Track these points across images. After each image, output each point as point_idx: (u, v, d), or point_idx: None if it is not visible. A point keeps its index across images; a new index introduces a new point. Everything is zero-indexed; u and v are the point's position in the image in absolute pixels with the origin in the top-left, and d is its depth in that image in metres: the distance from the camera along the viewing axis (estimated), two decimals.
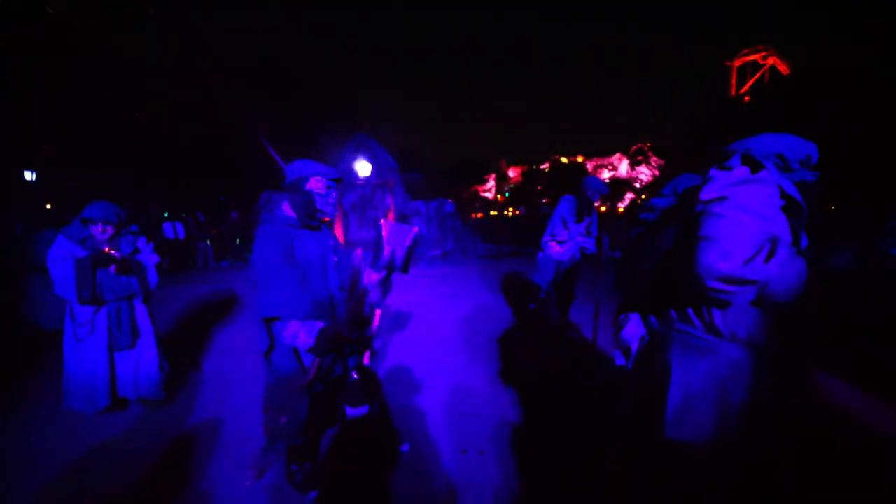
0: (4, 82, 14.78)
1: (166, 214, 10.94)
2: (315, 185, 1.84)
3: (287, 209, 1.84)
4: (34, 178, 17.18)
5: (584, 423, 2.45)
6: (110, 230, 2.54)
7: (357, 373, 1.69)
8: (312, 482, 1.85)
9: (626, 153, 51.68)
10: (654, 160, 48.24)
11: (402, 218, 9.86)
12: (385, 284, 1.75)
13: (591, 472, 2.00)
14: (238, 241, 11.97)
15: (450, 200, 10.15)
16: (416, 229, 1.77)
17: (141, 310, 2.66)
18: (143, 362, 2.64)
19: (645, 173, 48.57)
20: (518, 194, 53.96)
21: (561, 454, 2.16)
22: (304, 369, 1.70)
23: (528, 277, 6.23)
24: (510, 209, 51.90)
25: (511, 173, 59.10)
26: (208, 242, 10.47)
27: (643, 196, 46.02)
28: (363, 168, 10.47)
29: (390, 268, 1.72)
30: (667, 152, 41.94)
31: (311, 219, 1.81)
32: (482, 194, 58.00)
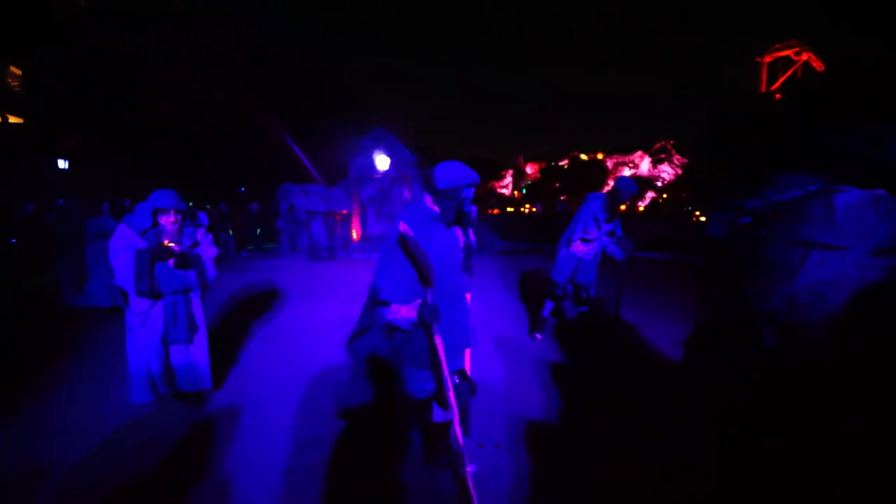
0: (37, 76, 15.39)
1: (191, 204, 11.25)
2: (467, 192, 1.80)
3: (429, 202, 1.82)
4: (66, 167, 17.89)
5: (599, 417, 2.43)
6: (179, 220, 2.50)
7: (459, 377, 1.80)
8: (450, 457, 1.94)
9: (647, 151, 50.42)
10: (677, 158, 46.94)
11: None
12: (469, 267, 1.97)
13: (606, 465, 1.98)
14: (258, 231, 12.22)
15: None
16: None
17: (197, 304, 2.62)
18: (196, 356, 2.61)
19: (667, 172, 47.29)
20: (535, 191, 53.40)
21: (576, 448, 2.16)
22: (395, 349, 1.81)
23: (544, 274, 6.18)
24: (527, 206, 51.44)
25: (529, 169, 58.46)
26: (230, 232, 10.73)
27: (664, 195, 44.93)
28: (382, 162, 10.52)
29: (469, 250, 1.97)
30: (691, 151, 40.81)
31: (459, 222, 1.84)
32: (498, 190, 57.59)
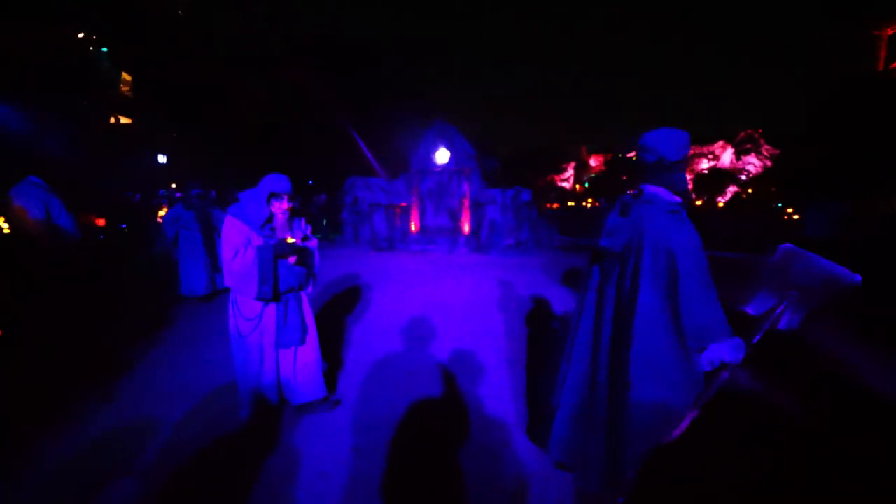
0: (143, 81, 17.49)
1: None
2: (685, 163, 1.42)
3: (665, 193, 1.41)
4: (165, 161, 20.23)
5: None
6: (290, 207, 2.25)
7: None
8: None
9: (730, 141, 45.63)
10: (765, 149, 41.94)
11: (477, 206, 9.86)
12: None
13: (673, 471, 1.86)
14: (325, 221, 12.97)
15: (527, 189, 9.90)
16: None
17: (306, 302, 2.41)
18: (307, 359, 2.36)
19: (754, 164, 42.31)
20: (599, 184, 50.78)
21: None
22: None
23: None
24: (589, 200, 49.21)
25: (592, 162, 55.66)
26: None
27: (749, 190, 40.47)
28: (441, 155, 10.61)
29: None
30: (783, 140, 36.26)
31: (688, 202, 1.44)
32: (559, 183, 55.60)
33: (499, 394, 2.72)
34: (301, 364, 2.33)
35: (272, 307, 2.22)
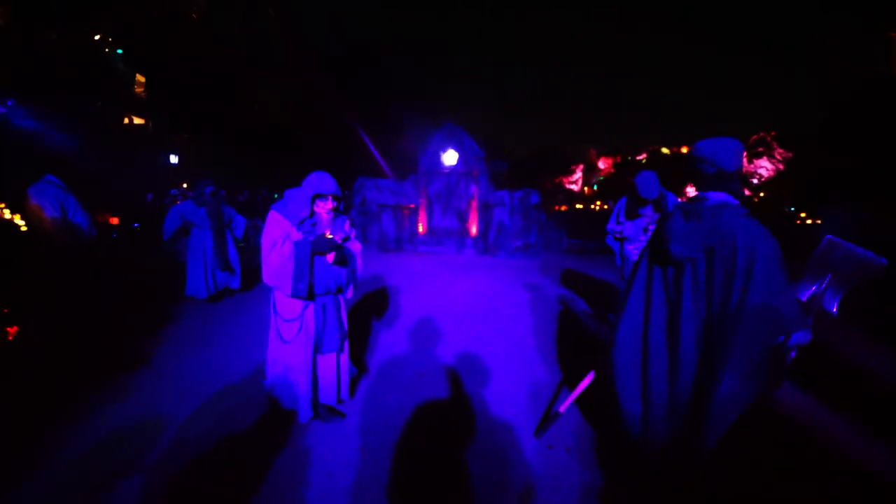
0: (156, 82, 17.78)
1: (276, 196, 12.35)
2: None
3: (731, 199, 1.51)
4: (177, 162, 20.50)
5: None
6: (334, 208, 2.19)
7: None
8: None
9: (742, 144, 45.03)
10: (778, 152, 41.30)
11: (485, 207, 9.85)
12: None
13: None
14: None
15: (535, 191, 9.87)
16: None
17: (344, 307, 2.35)
18: (342, 366, 2.33)
19: (766, 167, 41.65)
20: (608, 187, 50.43)
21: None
22: None
23: (608, 275, 5.83)
24: (598, 202, 48.85)
25: (601, 164, 55.30)
26: None
27: (762, 193, 39.88)
28: (449, 157, 10.63)
29: None
30: (797, 143, 35.70)
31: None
32: (567, 186, 55.30)
33: (506, 396, 2.70)
34: (338, 370, 2.29)
35: (311, 310, 2.15)
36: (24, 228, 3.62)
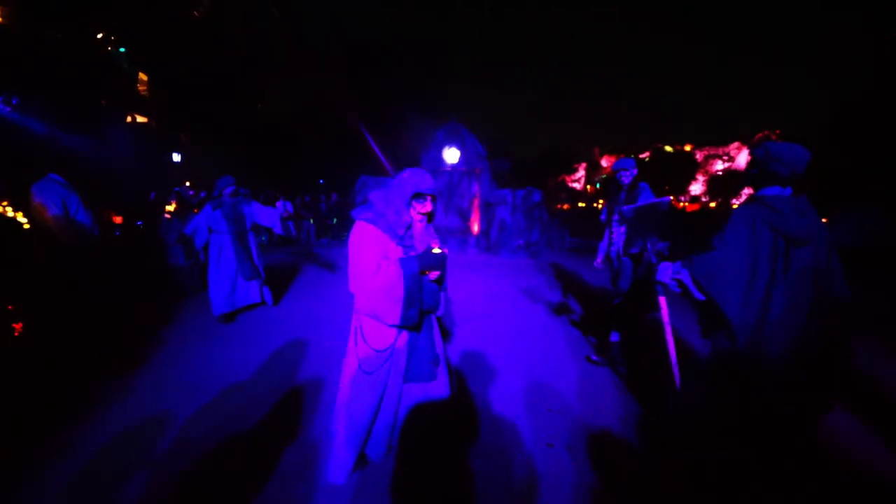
0: (159, 81, 17.83)
1: (279, 195, 12.37)
2: None
3: (774, 191, 1.74)
4: (180, 160, 20.54)
5: (668, 422, 2.24)
6: (428, 212, 1.79)
7: None
8: None
9: (746, 142, 44.76)
10: None
11: (488, 206, 9.83)
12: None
13: (676, 482, 1.82)
14: (335, 220, 13.05)
15: (538, 190, 9.85)
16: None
17: (436, 327, 1.95)
18: (434, 397, 1.86)
19: None
20: (611, 185, 50.21)
21: (652, 456, 2.01)
22: None
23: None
24: (601, 201, 48.71)
25: (604, 163, 55.13)
26: (311, 221, 11.59)
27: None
28: (451, 155, 10.61)
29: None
30: (800, 141, 35.43)
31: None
32: (570, 184, 55.17)
33: (508, 395, 2.70)
34: (423, 399, 1.87)
35: (404, 334, 1.78)
36: (26, 226, 3.63)
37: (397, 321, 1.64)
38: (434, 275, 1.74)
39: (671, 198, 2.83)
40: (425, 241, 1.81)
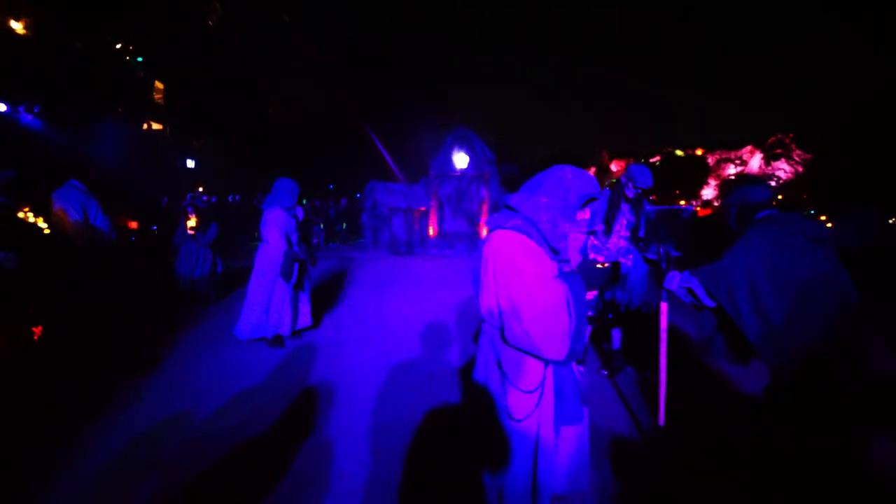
0: (174, 89, 18.25)
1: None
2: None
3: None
4: (193, 166, 20.92)
5: (686, 433, 2.21)
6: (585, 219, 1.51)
7: None
8: None
9: (760, 146, 44.09)
10: (797, 154, 40.34)
11: (496, 211, 9.84)
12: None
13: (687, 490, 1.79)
14: (344, 225, 13.17)
15: None
16: None
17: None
18: (582, 439, 1.57)
19: (784, 170, 40.66)
20: (615, 193, 49.72)
21: (658, 464, 1.99)
22: None
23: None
24: None
25: (614, 167, 54.77)
26: (321, 226, 11.71)
27: (780, 196, 38.99)
28: (460, 160, 10.65)
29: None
30: (818, 145, 34.80)
31: None
32: None
33: None
34: (573, 446, 1.54)
35: (550, 369, 1.42)
36: (46, 231, 3.74)
37: (562, 355, 1.30)
38: (591, 295, 1.44)
39: (695, 208, 2.42)
40: (575, 254, 1.51)
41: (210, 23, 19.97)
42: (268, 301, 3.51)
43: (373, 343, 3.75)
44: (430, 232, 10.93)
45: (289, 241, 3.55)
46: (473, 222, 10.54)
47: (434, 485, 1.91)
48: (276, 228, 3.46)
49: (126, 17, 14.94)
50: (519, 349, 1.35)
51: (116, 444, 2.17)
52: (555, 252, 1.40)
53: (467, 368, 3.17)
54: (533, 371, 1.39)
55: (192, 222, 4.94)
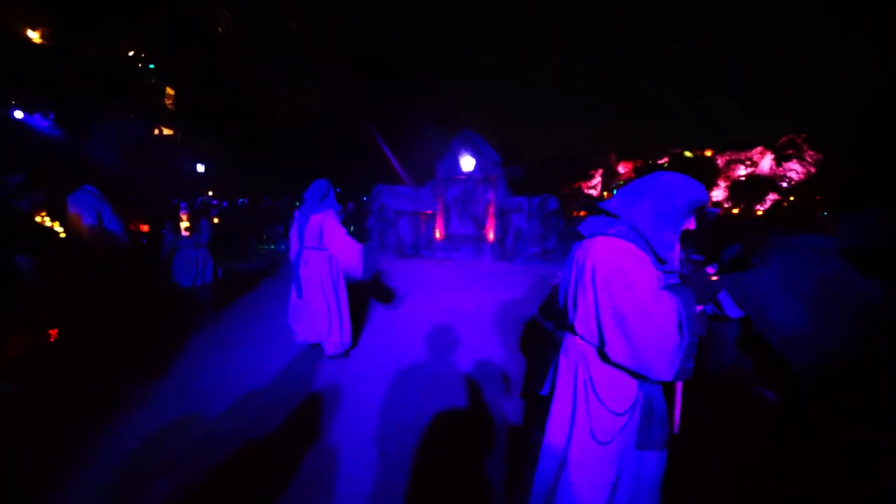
0: (184, 94, 18.55)
1: (297, 203, 12.65)
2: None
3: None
4: (203, 170, 21.20)
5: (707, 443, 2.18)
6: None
7: None
8: None
9: (770, 146, 43.49)
10: (809, 154, 39.71)
11: (503, 214, 9.82)
12: None
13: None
14: (351, 228, 13.24)
15: (554, 197, 9.79)
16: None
17: None
18: (658, 472, 1.39)
19: (796, 170, 39.99)
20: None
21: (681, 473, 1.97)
22: None
23: None
24: None
25: (621, 169, 54.42)
26: None
27: (791, 198, 38.42)
28: (467, 163, 10.66)
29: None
30: (828, 145, 34.25)
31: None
32: (586, 191, 54.64)
33: (524, 403, 2.67)
34: (653, 474, 1.38)
35: (643, 392, 1.32)
36: (62, 235, 3.82)
37: (671, 374, 1.19)
38: (699, 308, 1.32)
39: (720, 210, 2.50)
40: (677, 263, 1.41)
41: (219, 29, 20.30)
42: (337, 308, 3.33)
43: (379, 345, 3.77)
44: (437, 235, 10.94)
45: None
46: (480, 225, 10.53)
47: (441, 488, 1.91)
48: (338, 232, 3.28)
49: (137, 24, 15.25)
50: (620, 366, 1.26)
51: (128, 446, 2.20)
52: (661, 262, 1.29)
53: (474, 372, 3.16)
54: (627, 391, 1.30)
55: (185, 223, 4.48)
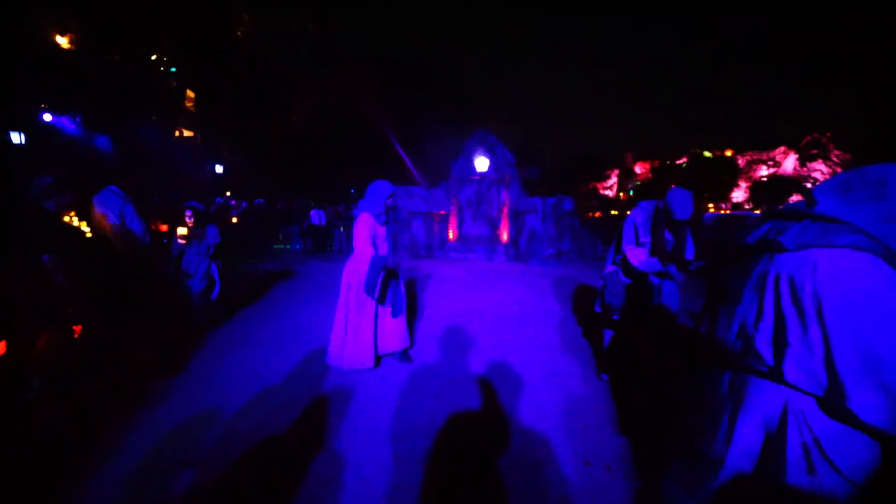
0: (204, 97, 18.98)
1: (313, 204, 12.80)
2: None
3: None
4: (222, 171, 21.65)
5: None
6: None
7: None
8: None
9: (794, 146, 42.16)
10: (835, 154, 38.36)
11: (517, 214, 9.75)
12: None
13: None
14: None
15: (569, 198, 9.68)
16: None
17: None
18: None
19: (821, 170, 38.67)
20: (645, 192, 48.61)
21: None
22: None
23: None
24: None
25: (638, 169, 53.50)
26: (341, 229, 11.90)
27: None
28: (481, 163, 10.63)
29: None
30: (855, 144, 33.02)
31: None
32: (602, 192, 53.90)
33: (540, 408, 2.64)
34: None
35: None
36: (88, 234, 3.93)
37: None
38: None
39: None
40: None
41: (239, 34, 20.71)
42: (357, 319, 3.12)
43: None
44: (450, 235, 10.93)
45: (375, 249, 3.18)
46: (494, 226, 10.48)
47: (456, 491, 1.90)
48: (357, 236, 3.10)
49: (160, 30, 15.67)
50: (867, 426, 0.93)
51: (150, 441, 2.25)
52: None
53: (489, 374, 3.14)
54: (865, 454, 0.99)
55: (182, 230, 4.22)
